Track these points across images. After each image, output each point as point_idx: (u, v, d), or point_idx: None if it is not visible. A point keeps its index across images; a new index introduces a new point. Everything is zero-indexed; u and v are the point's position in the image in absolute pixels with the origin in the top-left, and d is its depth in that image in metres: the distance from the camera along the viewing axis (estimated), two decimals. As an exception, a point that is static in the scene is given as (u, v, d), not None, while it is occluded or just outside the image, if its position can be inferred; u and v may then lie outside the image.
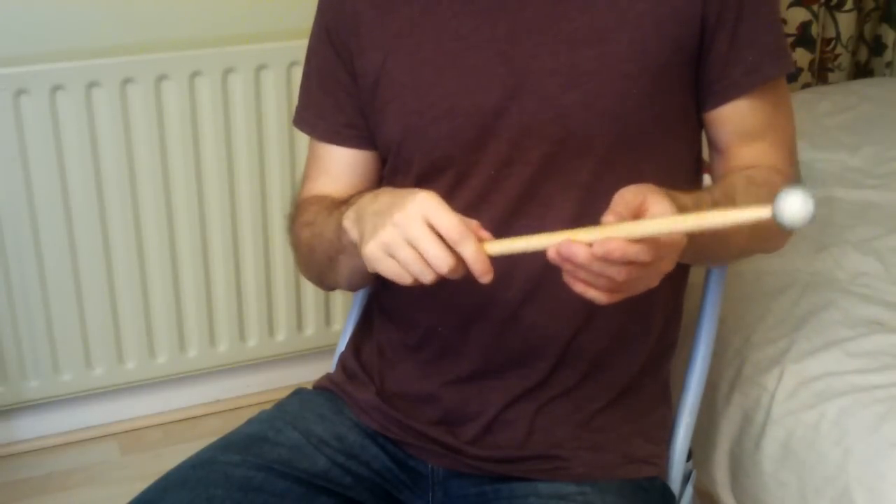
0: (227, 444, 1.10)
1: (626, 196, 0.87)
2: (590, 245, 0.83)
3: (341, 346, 1.31)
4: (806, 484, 1.30)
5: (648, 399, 1.16)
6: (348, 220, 0.99)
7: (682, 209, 0.88)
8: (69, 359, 1.95)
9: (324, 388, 1.22)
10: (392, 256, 0.90)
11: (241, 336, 2.09)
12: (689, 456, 1.23)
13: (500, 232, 1.08)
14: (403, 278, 0.90)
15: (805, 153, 1.91)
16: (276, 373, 2.17)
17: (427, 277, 0.89)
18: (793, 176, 1.11)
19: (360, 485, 1.11)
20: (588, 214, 1.07)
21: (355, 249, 0.97)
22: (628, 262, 0.83)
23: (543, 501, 1.06)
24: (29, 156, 1.80)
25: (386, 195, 0.96)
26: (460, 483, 1.12)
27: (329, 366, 1.29)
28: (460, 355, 1.11)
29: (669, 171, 1.11)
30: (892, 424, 1.25)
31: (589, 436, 1.11)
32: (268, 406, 1.18)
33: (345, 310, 2.13)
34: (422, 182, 1.11)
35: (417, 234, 0.88)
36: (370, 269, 0.92)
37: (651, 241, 0.83)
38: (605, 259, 0.82)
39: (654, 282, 0.88)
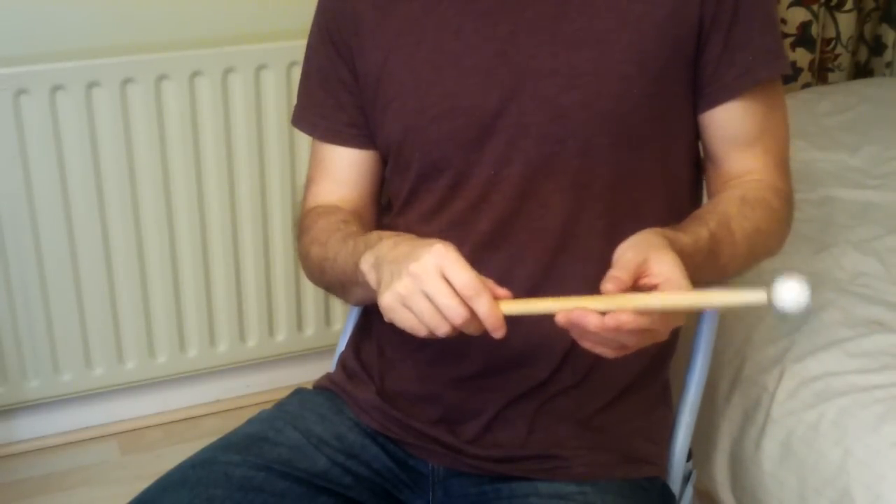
0: (227, 444, 1.10)
1: (628, 255, 0.89)
2: (601, 314, 0.85)
3: (341, 346, 1.31)
4: (806, 484, 1.30)
5: (649, 399, 1.16)
6: (366, 264, 0.99)
7: (681, 253, 0.90)
8: (69, 359, 1.95)
9: (324, 387, 1.22)
10: (407, 307, 0.91)
11: (241, 336, 2.09)
12: (689, 456, 1.23)
13: (499, 231, 1.08)
14: (418, 330, 0.91)
15: (805, 153, 1.91)
16: (276, 373, 2.17)
17: (441, 330, 0.90)
18: (786, 189, 1.11)
19: (360, 484, 1.11)
20: (586, 215, 1.07)
21: (371, 290, 0.99)
22: (642, 331, 0.86)
23: (544, 501, 1.06)
24: (29, 156, 1.80)
25: (405, 244, 0.96)
26: (460, 482, 1.12)
27: (329, 366, 1.29)
28: (461, 355, 1.11)
29: (668, 171, 1.11)
30: (892, 424, 1.25)
31: (589, 435, 1.11)
32: (268, 406, 1.18)
33: (345, 310, 2.13)
34: (422, 181, 1.12)
35: (433, 287, 0.89)
36: (386, 319, 0.93)
37: (657, 322, 0.86)
38: (615, 331, 0.85)
39: (663, 338, 0.90)
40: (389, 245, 0.98)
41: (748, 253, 1.05)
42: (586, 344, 0.89)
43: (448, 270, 0.89)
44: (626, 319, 0.84)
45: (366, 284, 1.00)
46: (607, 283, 0.86)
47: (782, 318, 0.79)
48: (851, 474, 1.25)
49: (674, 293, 0.85)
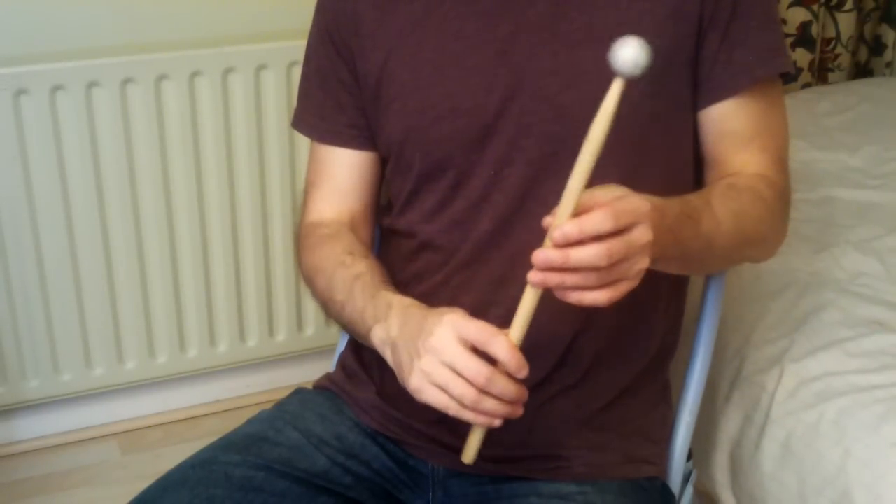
0: (227, 444, 1.10)
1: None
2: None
3: (341, 346, 1.31)
4: (805, 484, 1.30)
5: (649, 398, 1.16)
6: (378, 339, 1.03)
7: (654, 206, 0.90)
8: (69, 359, 1.95)
9: (324, 387, 1.22)
10: (433, 383, 0.92)
11: (241, 336, 2.09)
12: (689, 456, 1.23)
13: (500, 230, 1.08)
14: (449, 406, 0.92)
15: (805, 153, 1.91)
16: (276, 373, 2.17)
17: (468, 397, 0.90)
18: (781, 183, 1.10)
19: (360, 484, 1.11)
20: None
21: (379, 348, 1.02)
22: (595, 239, 0.84)
23: (544, 501, 1.06)
24: (29, 156, 1.80)
25: (415, 320, 0.98)
26: (460, 482, 1.12)
27: (329, 366, 1.29)
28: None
29: (668, 170, 1.11)
30: (891, 424, 1.25)
31: (589, 435, 1.11)
32: (268, 406, 1.19)
33: (345, 310, 2.13)
34: (423, 181, 1.12)
35: (451, 354, 0.91)
36: (418, 399, 0.95)
37: (604, 208, 0.84)
38: (569, 242, 0.83)
39: (643, 260, 0.88)
40: (399, 322, 1.00)
41: (735, 231, 1.03)
42: (573, 296, 0.87)
43: (461, 330, 0.91)
44: (569, 226, 0.83)
45: (375, 347, 1.04)
46: (546, 219, 0.86)
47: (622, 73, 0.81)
48: (851, 474, 1.25)
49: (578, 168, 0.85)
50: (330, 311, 1.14)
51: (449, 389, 0.91)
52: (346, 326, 1.12)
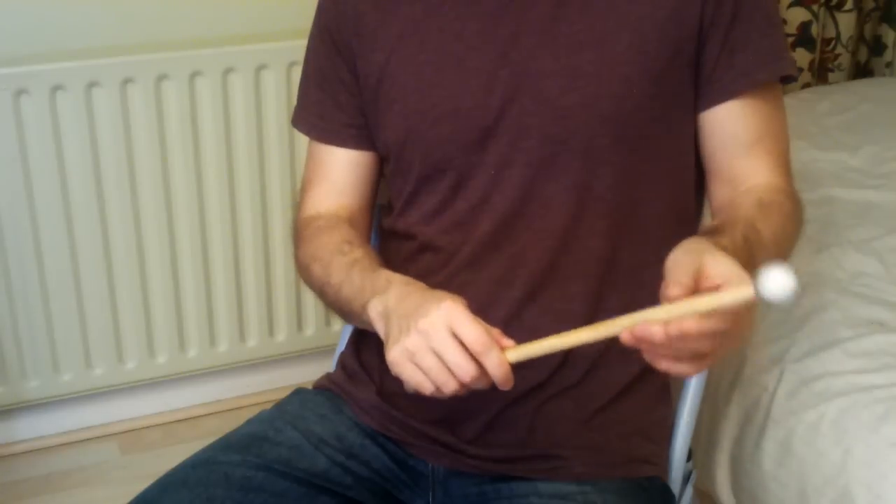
0: (227, 444, 1.10)
1: (684, 261, 0.86)
2: (663, 324, 0.82)
3: (341, 346, 1.31)
4: (806, 484, 1.30)
5: (649, 398, 1.16)
6: (374, 311, 1.00)
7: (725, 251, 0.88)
8: (69, 359, 1.95)
9: (324, 387, 1.22)
10: (415, 364, 0.91)
11: (241, 336, 2.09)
12: (690, 456, 1.23)
13: (501, 232, 1.08)
14: (425, 387, 0.91)
15: (805, 153, 1.91)
16: (276, 373, 2.17)
17: (448, 387, 0.90)
18: (793, 191, 1.10)
19: (360, 484, 1.11)
20: (588, 215, 1.07)
21: (374, 329, 1.00)
22: (711, 336, 0.82)
23: (544, 501, 1.06)
24: (29, 156, 1.80)
25: (413, 296, 0.97)
26: (461, 482, 1.12)
27: (329, 366, 1.29)
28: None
29: (670, 173, 1.11)
30: (892, 424, 1.25)
31: (589, 435, 1.11)
32: (268, 406, 1.18)
33: (345, 310, 2.14)
34: (423, 183, 1.12)
35: (442, 344, 0.89)
36: (393, 373, 0.94)
37: (728, 313, 0.81)
38: (683, 339, 0.82)
39: (743, 341, 0.88)
40: (398, 295, 0.99)
41: (776, 254, 1.02)
42: (661, 363, 0.86)
43: (458, 327, 0.90)
44: (689, 325, 0.81)
45: (370, 325, 1.01)
46: (671, 289, 0.83)
47: (773, 305, 0.79)
48: (851, 474, 1.25)
49: (725, 292, 0.81)
50: (325, 295, 1.13)
51: (430, 375, 0.91)
52: (341, 309, 1.11)
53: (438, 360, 0.90)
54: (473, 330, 0.90)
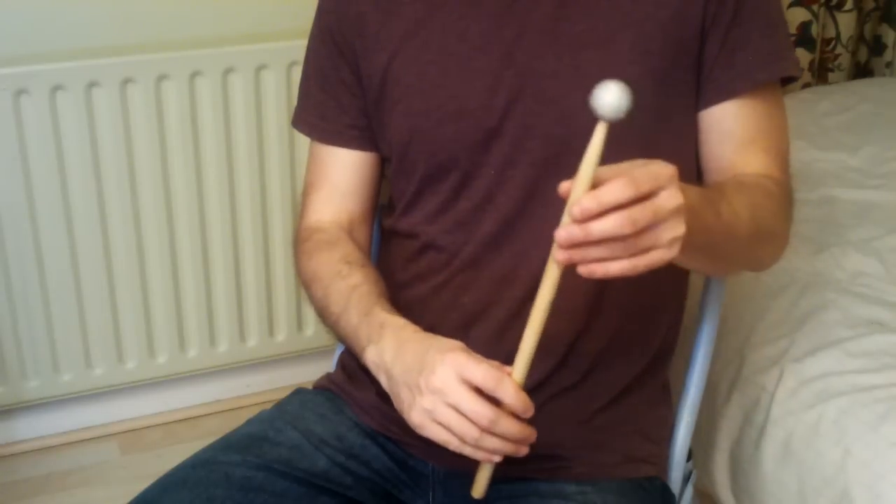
0: (227, 444, 1.10)
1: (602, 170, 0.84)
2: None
3: (341, 346, 1.31)
4: (806, 484, 1.30)
5: (649, 398, 1.16)
6: (371, 362, 1.03)
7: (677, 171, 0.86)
8: (69, 359, 1.95)
9: (324, 387, 1.22)
10: (436, 420, 0.93)
11: (241, 336, 2.09)
12: (690, 456, 1.23)
13: (504, 232, 1.08)
14: (451, 443, 0.93)
15: (805, 153, 1.91)
16: (276, 373, 2.17)
17: (470, 436, 0.91)
18: (786, 182, 1.10)
19: (360, 484, 1.11)
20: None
21: (372, 369, 1.02)
22: (618, 208, 0.79)
23: (544, 501, 1.06)
24: (29, 156, 1.80)
25: (411, 349, 0.98)
26: (461, 482, 1.11)
27: (329, 366, 1.29)
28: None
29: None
30: (891, 424, 1.25)
31: (589, 435, 1.11)
32: (268, 406, 1.18)
33: (345, 310, 2.13)
34: (427, 183, 1.12)
35: (456, 397, 0.91)
36: (420, 433, 0.95)
37: (620, 177, 0.80)
38: (590, 215, 0.79)
39: (677, 226, 0.83)
40: (393, 348, 0.99)
41: (752, 222, 1.00)
42: (600, 270, 0.83)
43: (466, 373, 0.91)
44: (587, 201, 0.79)
45: (366, 363, 1.04)
46: (561, 184, 0.83)
47: (608, 115, 0.80)
48: (851, 474, 1.25)
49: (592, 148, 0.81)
50: (326, 320, 1.14)
51: (452, 428, 0.92)
52: (340, 338, 1.13)
53: (456, 412, 0.91)
54: (481, 369, 0.91)
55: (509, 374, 0.92)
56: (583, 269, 0.84)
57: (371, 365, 1.03)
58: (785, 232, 1.10)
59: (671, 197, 0.83)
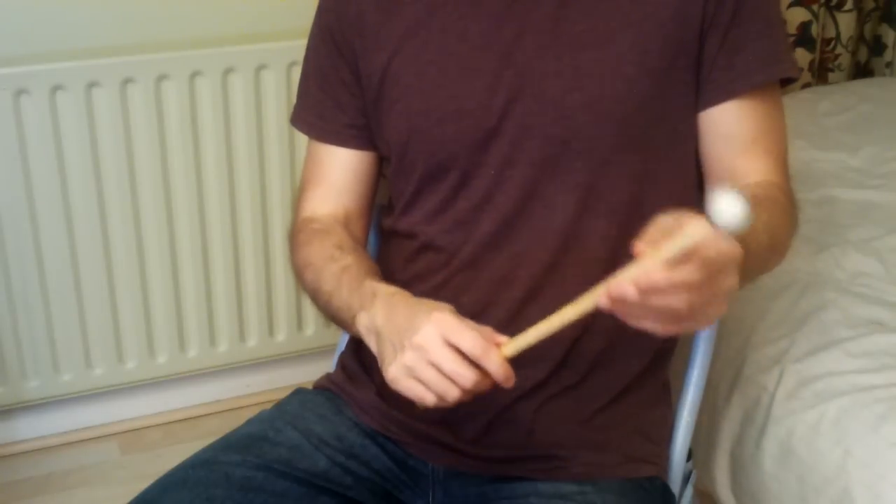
0: (227, 444, 1.10)
1: (662, 220, 0.83)
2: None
3: (341, 346, 1.31)
4: (806, 484, 1.30)
5: (649, 398, 1.16)
6: (363, 326, 1.02)
7: (742, 249, 0.85)
8: (69, 359, 1.95)
9: (324, 387, 1.22)
10: (415, 378, 0.92)
11: (241, 336, 2.09)
12: (690, 456, 1.23)
13: (502, 232, 1.09)
14: (427, 398, 0.92)
15: (805, 153, 1.91)
16: (276, 373, 2.17)
17: (451, 395, 0.91)
18: (789, 189, 1.10)
19: (360, 484, 1.11)
20: (590, 216, 1.07)
21: (363, 335, 1.01)
22: (683, 288, 0.80)
23: (544, 501, 1.06)
24: (29, 156, 1.80)
25: (399, 311, 0.97)
26: (461, 482, 1.12)
27: (329, 366, 1.29)
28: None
29: (671, 173, 1.11)
30: (892, 424, 1.25)
31: (589, 435, 1.11)
32: (268, 406, 1.19)
33: (345, 310, 2.13)
34: (426, 182, 1.12)
35: (439, 356, 0.90)
36: (392, 388, 0.95)
37: (697, 260, 0.79)
38: (654, 291, 0.79)
39: (722, 306, 0.83)
40: (384, 310, 0.99)
41: (770, 244, 1.01)
42: (642, 323, 0.83)
43: (451, 336, 0.91)
44: (658, 277, 0.78)
45: (360, 335, 1.03)
46: (638, 244, 0.81)
47: (728, 230, 0.78)
48: (851, 474, 1.25)
49: (683, 232, 0.79)
50: (318, 302, 1.14)
51: (431, 386, 0.91)
52: (333, 317, 1.12)
53: (437, 371, 0.91)
54: (468, 336, 0.90)
55: (498, 346, 0.91)
56: (624, 317, 0.84)
57: (362, 330, 1.02)
58: (791, 239, 1.11)
59: (729, 282, 0.83)
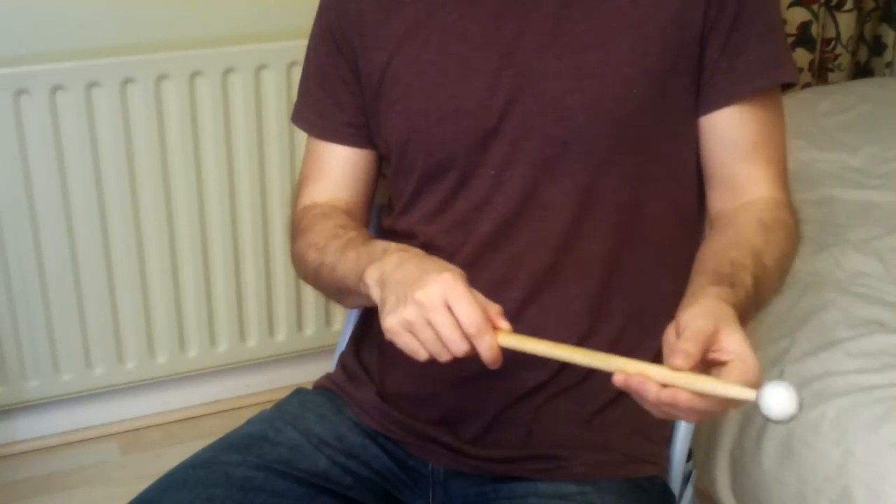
0: (227, 444, 1.10)
1: (699, 323, 0.86)
2: (661, 384, 0.83)
3: (341, 346, 1.31)
4: (806, 484, 1.30)
5: (649, 399, 1.16)
6: (371, 279, 0.99)
7: (737, 307, 0.89)
8: (69, 359, 1.95)
9: (324, 387, 1.22)
10: (411, 333, 0.91)
11: (241, 336, 2.09)
12: (690, 456, 1.22)
13: (502, 232, 1.08)
14: (420, 354, 0.92)
15: (805, 153, 1.91)
16: (276, 373, 2.17)
17: (443, 357, 0.91)
18: (788, 200, 1.10)
19: (360, 485, 1.11)
20: (589, 217, 1.07)
21: (371, 301, 0.99)
22: (701, 413, 0.84)
23: (544, 501, 1.06)
24: (29, 156, 1.80)
25: (411, 264, 0.96)
26: (461, 483, 1.12)
27: (329, 366, 1.29)
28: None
29: (672, 175, 1.11)
30: (892, 424, 1.25)
31: (589, 435, 1.11)
32: (268, 406, 1.18)
33: (345, 310, 2.13)
34: (425, 182, 1.12)
35: (438, 318, 0.90)
36: (387, 338, 0.94)
37: (725, 401, 0.83)
38: (672, 406, 0.83)
39: (719, 415, 0.89)
40: (395, 262, 0.97)
41: (779, 278, 1.04)
42: (646, 407, 0.87)
43: (454, 304, 0.90)
44: (684, 398, 0.82)
45: (367, 296, 1.00)
46: (676, 358, 0.83)
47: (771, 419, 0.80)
48: (851, 474, 1.25)
49: (730, 384, 0.81)
50: (321, 278, 1.12)
51: (426, 346, 0.91)
52: (337, 289, 1.10)
53: (434, 332, 0.90)
54: (469, 311, 0.89)
55: (498, 329, 0.90)
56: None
57: (370, 282, 0.98)
58: (796, 255, 1.11)
59: (735, 407, 0.88)
